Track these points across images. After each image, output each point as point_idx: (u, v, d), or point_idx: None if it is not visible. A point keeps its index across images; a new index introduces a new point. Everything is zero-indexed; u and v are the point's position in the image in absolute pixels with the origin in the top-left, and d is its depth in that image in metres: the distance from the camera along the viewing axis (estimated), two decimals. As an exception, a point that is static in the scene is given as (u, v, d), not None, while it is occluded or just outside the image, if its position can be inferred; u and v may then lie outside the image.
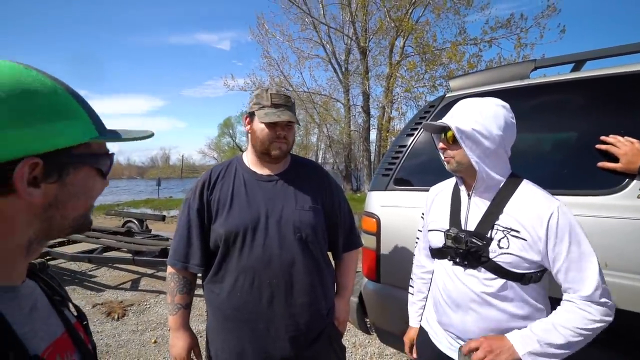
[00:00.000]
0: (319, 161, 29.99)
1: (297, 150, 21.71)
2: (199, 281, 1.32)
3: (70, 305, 0.59)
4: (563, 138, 1.65)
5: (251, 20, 51.12)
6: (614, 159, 1.27)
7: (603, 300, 0.92)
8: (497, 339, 0.96)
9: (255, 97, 1.27)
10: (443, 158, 1.11)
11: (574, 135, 1.57)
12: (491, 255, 0.99)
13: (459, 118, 1.02)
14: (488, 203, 1.05)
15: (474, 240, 1.02)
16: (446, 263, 1.11)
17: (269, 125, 1.22)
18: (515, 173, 1.09)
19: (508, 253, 0.98)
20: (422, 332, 1.28)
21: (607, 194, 1.28)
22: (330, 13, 15.11)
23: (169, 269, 1.30)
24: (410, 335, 1.37)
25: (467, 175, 1.09)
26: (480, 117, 1.00)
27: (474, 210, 1.07)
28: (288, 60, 15.43)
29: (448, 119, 1.05)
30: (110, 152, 0.54)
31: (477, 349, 0.95)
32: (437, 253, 1.16)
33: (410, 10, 12.56)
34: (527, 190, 1.03)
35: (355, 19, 13.88)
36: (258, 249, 1.20)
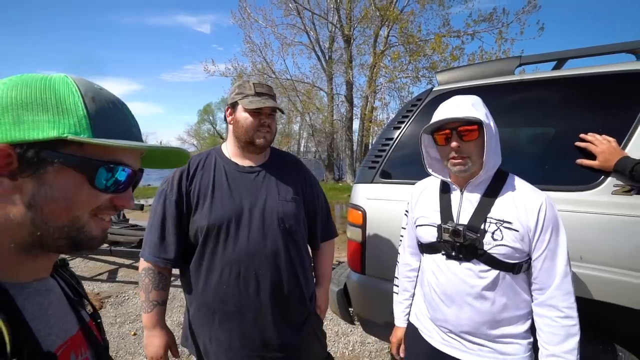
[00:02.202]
0: (301, 150, 29.86)
1: (279, 139, 21.47)
2: (175, 271, 1.29)
3: (86, 302, 0.60)
4: (543, 134, 1.70)
5: (232, 3, 49.56)
6: (592, 156, 1.32)
7: (570, 288, 0.98)
8: None
9: (237, 88, 1.27)
10: (453, 159, 1.05)
11: (554, 132, 1.62)
12: (486, 247, 1.02)
13: (475, 112, 1.00)
14: (479, 197, 1.07)
15: (468, 233, 1.04)
16: (439, 258, 1.12)
17: (253, 113, 1.23)
18: (500, 168, 1.11)
19: (502, 245, 1.00)
20: (411, 328, 1.28)
21: (583, 190, 1.33)
22: (315, -1, 14.84)
23: (143, 264, 1.25)
24: (398, 335, 1.35)
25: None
26: (486, 110, 1.03)
27: (466, 205, 1.08)
28: (271, 46, 15.11)
29: (466, 113, 1.00)
30: (119, 163, 0.47)
31: None
32: (428, 248, 1.16)
33: (395, 0, 12.50)
34: (515, 183, 1.07)
35: (339, 6, 13.69)
36: (243, 241, 1.20)
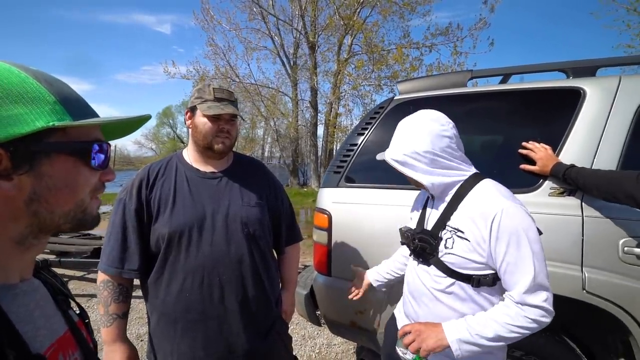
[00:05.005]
0: (266, 155, 29.58)
1: (243, 144, 21.18)
2: (136, 282, 1.25)
3: (73, 303, 0.57)
4: (491, 141, 1.86)
5: (194, 3, 48.26)
6: (532, 162, 1.47)
7: (535, 303, 0.91)
8: (430, 325, 1.00)
9: (197, 92, 1.25)
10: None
11: (501, 139, 1.78)
12: (439, 255, 1.06)
13: (392, 149, 1.12)
14: (445, 205, 1.09)
15: (427, 238, 1.08)
16: (411, 258, 1.22)
17: (212, 119, 1.21)
18: (479, 172, 1.10)
19: (452, 253, 1.02)
20: (393, 317, 1.38)
21: (525, 192, 1.48)
22: (280, 5, 14.89)
23: (101, 276, 1.20)
24: (360, 279, 1.52)
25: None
26: (408, 141, 1.06)
27: (433, 212, 1.14)
28: (235, 50, 14.88)
29: (386, 152, 1.14)
30: (98, 140, 0.49)
31: (409, 333, 1.01)
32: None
33: (358, 10, 12.90)
34: (479, 190, 1.02)
35: (304, 13, 13.84)
36: (206, 248, 1.18)
